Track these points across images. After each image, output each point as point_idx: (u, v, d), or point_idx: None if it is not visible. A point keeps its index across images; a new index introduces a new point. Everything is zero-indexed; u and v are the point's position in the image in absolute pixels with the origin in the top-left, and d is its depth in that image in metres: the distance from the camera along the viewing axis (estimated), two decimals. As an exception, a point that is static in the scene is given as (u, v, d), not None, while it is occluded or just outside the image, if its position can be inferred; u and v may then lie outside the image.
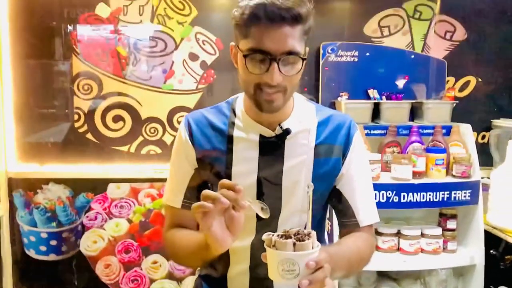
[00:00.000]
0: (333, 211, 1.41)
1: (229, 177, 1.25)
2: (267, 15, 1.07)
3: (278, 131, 1.25)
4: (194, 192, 1.31)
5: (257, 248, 1.26)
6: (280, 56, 1.10)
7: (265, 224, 1.23)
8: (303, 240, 0.98)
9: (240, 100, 1.32)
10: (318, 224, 1.36)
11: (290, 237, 0.99)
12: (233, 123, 1.28)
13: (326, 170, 1.28)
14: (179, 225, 1.33)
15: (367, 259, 1.32)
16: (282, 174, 1.26)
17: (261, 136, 1.26)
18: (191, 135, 1.30)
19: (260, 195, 1.25)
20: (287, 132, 1.25)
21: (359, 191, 1.33)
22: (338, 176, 1.31)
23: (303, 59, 1.14)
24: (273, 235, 1.01)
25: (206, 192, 1.02)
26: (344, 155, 1.30)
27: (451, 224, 2.49)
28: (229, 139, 1.27)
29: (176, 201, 1.32)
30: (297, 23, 1.09)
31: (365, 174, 1.37)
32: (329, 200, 1.37)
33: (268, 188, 1.26)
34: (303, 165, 1.26)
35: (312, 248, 0.99)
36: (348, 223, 1.33)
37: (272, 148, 1.26)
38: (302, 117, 1.29)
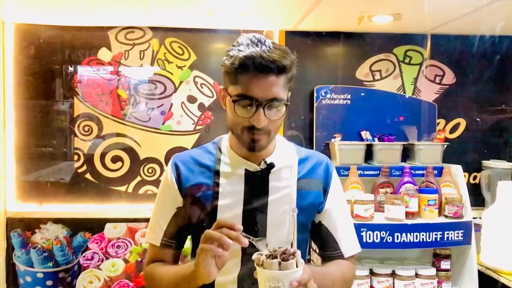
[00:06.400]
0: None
1: (215, 210, 1.31)
2: (255, 66, 1.18)
3: (262, 165, 1.33)
4: (173, 231, 1.37)
5: (243, 282, 1.31)
6: (265, 102, 1.20)
7: (250, 258, 1.28)
8: (288, 260, 1.08)
9: (226, 139, 1.40)
10: (301, 254, 1.40)
11: (276, 257, 1.09)
12: (219, 160, 1.36)
13: (308, 202, 1.36)
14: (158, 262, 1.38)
15: (349, 282, 1.40)
16: (267, 207, 1.32)
17: (246, 170, 1.33)
18: (178, 175, 1.36)
19: (246, 228, 1.30)
20: (271, 166, 1.33)
21: (342, 224, 1.42)
22: (322, 211, 1.39)
23: (286, 105, 1.24)
24: (261, 254, 1.11)
25: (209, 233, 1.11)
26: (325, 191, 1.40)
27: (445, 265, 2.51)
28: (216, 174, 1.34)
29: (156, 239, 1.38)
30: (281, 73, 1.20)
31: (345, 207, 1.47)
32: (313, 235, 1.45)
33: (254, 220, 1.31)
34: (287, 198, 1.33)
35: (297, 266, 1.09)
36: (333, 256, 1.41)
37: (257, 182, 1.33)
38: (284, 155, 1.38)
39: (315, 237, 1.44)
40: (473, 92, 2.96)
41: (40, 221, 2.75)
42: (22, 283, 2.75)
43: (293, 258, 1.08)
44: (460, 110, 2.96)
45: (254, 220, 1.31)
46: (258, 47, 1.19)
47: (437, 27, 2.77)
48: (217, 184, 1.32)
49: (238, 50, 1.20)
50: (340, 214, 1.42)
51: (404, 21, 2.56)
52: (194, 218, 1.35)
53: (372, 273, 2.47)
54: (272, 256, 1.09)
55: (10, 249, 2.74)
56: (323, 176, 1.39)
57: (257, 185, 1.32)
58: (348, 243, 1.41)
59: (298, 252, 1.10)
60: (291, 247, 1.17)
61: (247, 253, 1.29)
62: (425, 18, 2.58)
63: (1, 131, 2.69)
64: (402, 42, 2.93)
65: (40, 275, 2.74)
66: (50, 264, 2.74)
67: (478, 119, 2.98)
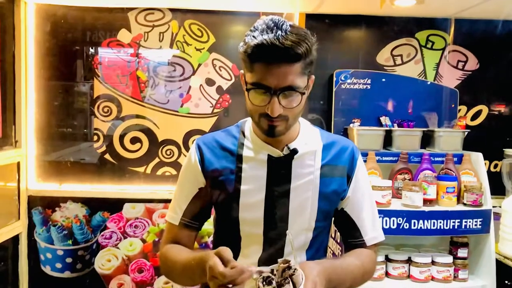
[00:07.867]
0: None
1: (238, 194, 1.31)
2: (267, 55, 1.14)
3: (285, 151, 1.31)
4: (193, 212, 1.37)
5: (264, 265, 1.30)
6: (279, 91, 1.16)
7: (272, 242, 1.29)
8: (283, 286, 1.05)
9: (249, 123, 1.38)
10: (321, 243, 1.40)
11: (271, 282, 1.06)
12: (243, 144, 1.35)
13: (332, 189, 1.34)
14: (175, 242, 1.38)
15: (370, 272, 1.38)
16: (290, 193, 1.31)
17: (269, 156, 1.31)
18: (201, 157, 1.36)
19: (267, 213, 1.30)
20: (294, 152, 1.30)
21: (366, 212, 1.39)
22: (344, 198, 1.37)
23: (302, 93, 1.20)
24: (260, 275, 1.08)
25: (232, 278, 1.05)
26: (349, 178, 1.37)
27: (462, 253, 2.48)
28: (239, 159, 1.33)
29: (175, 218, 1.38)
30: (296, 61, 1.15)
31: (370, 195, 1.43)
32: (336, 222, 1.43)
33: (276, 206, 1.31)
34: (310, 185, 1.32)
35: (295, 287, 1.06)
36: (356, 243, 1.39)
37: (280, 168, 1.31)
38: (308, 140, 1.35)
39: (338, 224, 1.43)
40: (496, 78, 2.89)
41: (60, 199, 2.81)
42: (42, 259, 2.82)
43: (289, 282, 1.06)
44: (482, 97, 2.91)
45: (276, 206, 1.30)
46: (272, 33, 1.13)
47: (461, 11, 2.70)
48: (240, 169, 1.32)
49: (252, 36, 1.16)
50: (363, 202, 1.39)
51: (427, 4, 2.50)
52: (215, 201, 1.35)
53: (388, 259, 2.46)
54: (268, 281, 1.07)
55: (31, 226, 2.80)
56: (348, 163, 1.36)
57: (279, 171, 1.31)
58: (371, 231, 1.39)
59: (299, 272, 1.07)
60: (296, 257, 1.14)
61: (269, 238, 1.30)
62: (449, 2, 2.52)
63: (22, 111, 2.73)
64: (425, 27, 2.87)
65: (60, 252, 2.81)
66: (70, 242, 2.80)
67: (501, 106, 2.92)
